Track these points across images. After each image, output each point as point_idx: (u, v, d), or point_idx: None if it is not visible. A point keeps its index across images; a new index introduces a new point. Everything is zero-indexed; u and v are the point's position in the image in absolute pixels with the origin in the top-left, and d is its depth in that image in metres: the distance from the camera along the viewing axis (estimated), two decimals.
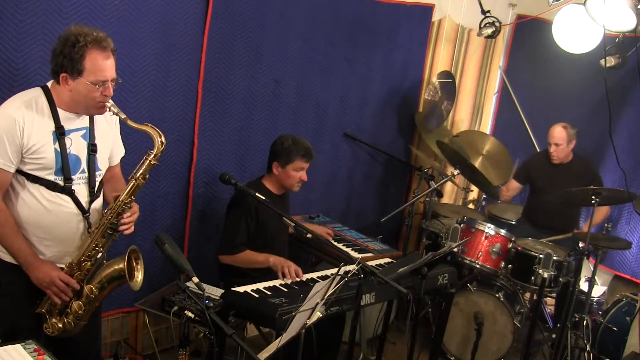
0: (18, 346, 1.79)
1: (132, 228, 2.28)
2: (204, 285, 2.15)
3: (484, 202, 4.88)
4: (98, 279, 2.25)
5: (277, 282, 2.84)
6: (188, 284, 2.07)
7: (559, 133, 4.20)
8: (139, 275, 2.28)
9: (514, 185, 4.58)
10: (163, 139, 2.24)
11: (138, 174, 2.22)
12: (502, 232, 3.83)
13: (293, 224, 2.85)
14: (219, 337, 2.27)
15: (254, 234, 3.12)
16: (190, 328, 2.28)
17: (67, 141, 2.16)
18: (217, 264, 3.21)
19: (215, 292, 2.82)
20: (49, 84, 2.17)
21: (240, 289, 2.65)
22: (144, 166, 2.23)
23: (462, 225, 3.82)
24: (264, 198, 2.91)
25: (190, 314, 2.27)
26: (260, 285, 2.74)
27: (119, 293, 3.02)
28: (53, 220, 2.18)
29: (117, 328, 3.30)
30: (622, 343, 3.83)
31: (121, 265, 2.21)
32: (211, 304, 2.60)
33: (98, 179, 2.30)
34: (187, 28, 3.12)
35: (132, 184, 2.22)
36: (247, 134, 3.59)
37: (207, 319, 1.97)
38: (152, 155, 2.23)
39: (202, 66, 3.24)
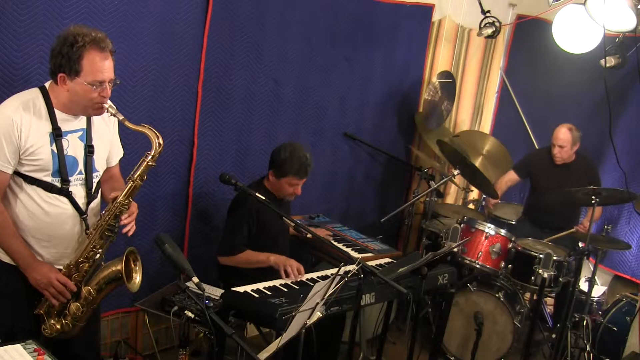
0: (18, 346, 1.79)
1: (134, 227, 2.28)
2: (204, 285, 2.14)
3: (484, 202, 4.87)
4: (96, 281, 2.24)
5: (277, 282, 2.84)
6: (188, 284, 2.07)
7: (564, 135, 4.18)
8: (137, 277, 2.28)
9: (512, 177, 4.58)
10: (161, 141, 2.23)
11: (135, 176, 2.21)
12: (502, 232, 3.83)
13: (293, 225, 2.85)
14: (219, 337, 2.27)
15: (255, 235, 3.12)
16: (190, 328, 2.28)
17: (64, 142, 2.15)
18: (217, 264, 3.21)
19: (215, 292, 2.82)
20: (47, 84, 2.16)
21: (240, 289, 2.65)
22: (142, 168, 2.22)
23: (462, 225, 3.82)
24: (264, 199, 2.90)
25: (190, 314, 2.27)
26: (260, 285, 2.74)
27: (119, 293, 3.02)
28: (50, 222, 2.17)
29: (117, 328, 3.30)
30: (622, 343, 3.83)
31: (119, 267, 2.21)
32: (211, 304, 2.60)
33: (95, 180, 2.30)
34: (187, 28, 3.12)
35: (129, 185, 2.21)
36: (247, 134, 3.59)
37: (207, 319, 1.97)
38: (150, 157, 2.22)
39: (202, 66, 3.23)
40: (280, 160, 3.09)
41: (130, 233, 2.26)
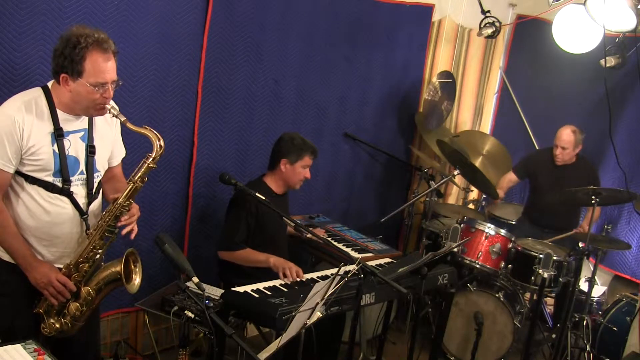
0: (18, 346, 1.79)
1: (135, 229, 2.28)
2: (204, 285, 2.14)
3: (484, 202, 4.88)
4: (95, 281, 2.25)
5: (277, 282, 2.84)
6: (188, 284, 2.07)
7: (567, 136, 4.17)
8: (137, 279, 2.28)
9: (511, 177, 4.58)
10: (162, 143, 2.23)
11: (136, 177, 2.21)
12: (502, 232, 3.83)
13: (293, 225, 2.85)
14: (219, 337, 2.27)
15: (254, 233, 3.12)
16: (190, 328, 2.28)
17: (66, 142, 2.15)
18: (217, 263, 3.22)
19: (215, 292, 2.82)
20: (50, 84, 2.16)
21: (240, 289, 2.65)
22: (143, 169, 2.22)
23: (462, 225, 3.81)
24: (263, 198, 2.91)
25: (190, 314, 2.27)
26: (260, 285, 2.74)
27: (119, 293, 3.01)
28: (51, 222, 2.18)
29: (117, 328, 3.30)
30: (622, 343, 3.83)
31: (118, 268, 2.21)
32: (211, 304, 2.60)
33: (96, 181, 2.30)
34: (187, 28, 3.12)
35: (130, 187, 2.21)
36: (247, 133, 3.59)
37: (207, 319, 1.97)
38: (151, 159, 2.22)
39: (202, 66, 3.23)
40: (295, 145, 3.18)
41: (132, 235, 2.26)
